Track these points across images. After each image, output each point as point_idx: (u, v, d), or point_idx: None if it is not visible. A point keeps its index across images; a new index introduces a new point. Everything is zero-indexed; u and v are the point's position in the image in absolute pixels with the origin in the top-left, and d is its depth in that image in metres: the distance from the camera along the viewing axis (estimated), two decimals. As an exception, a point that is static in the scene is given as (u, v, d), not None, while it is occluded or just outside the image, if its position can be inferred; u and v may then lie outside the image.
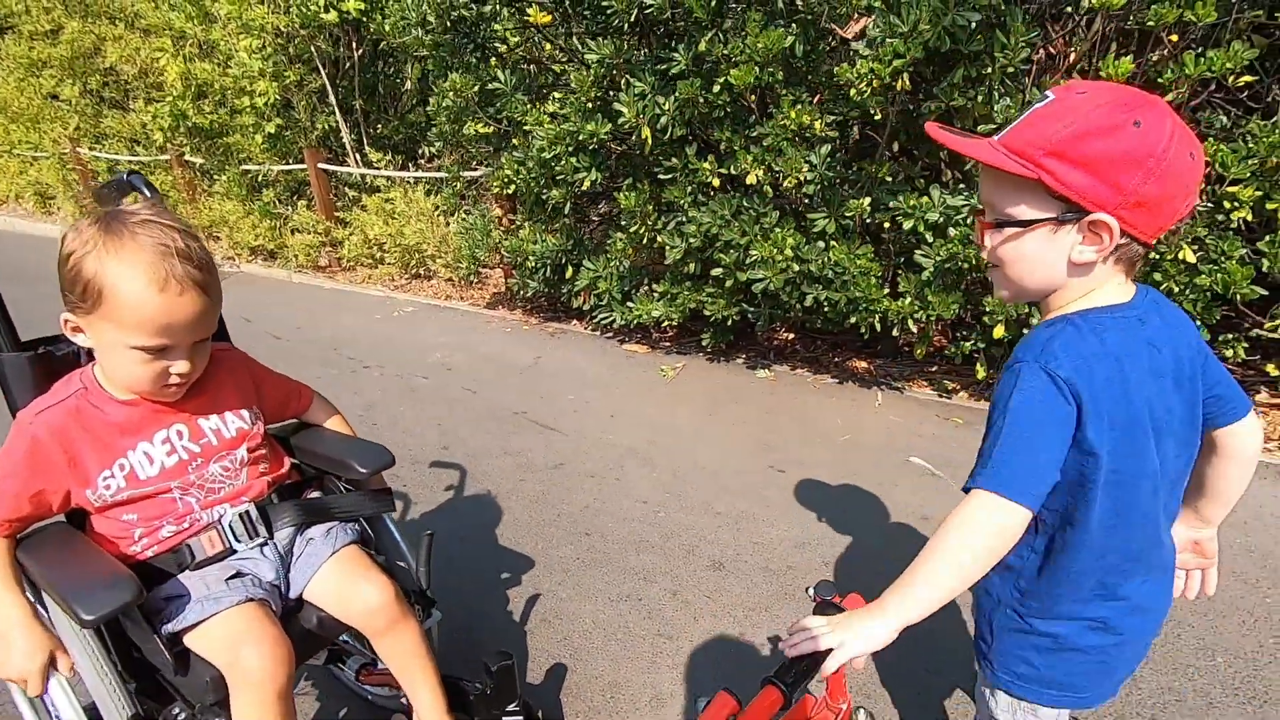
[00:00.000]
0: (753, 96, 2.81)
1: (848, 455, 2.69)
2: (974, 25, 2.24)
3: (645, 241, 3.38)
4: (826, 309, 2.97)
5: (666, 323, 3.56)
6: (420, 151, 6.66)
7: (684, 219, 3.13)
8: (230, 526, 1.13)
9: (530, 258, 3.90)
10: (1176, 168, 0.75)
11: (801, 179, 2.76)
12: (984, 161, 0.82)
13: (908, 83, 2.38)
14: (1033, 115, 0.80)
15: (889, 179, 2.77)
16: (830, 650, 0.79)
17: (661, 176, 3.17)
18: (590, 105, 3.18)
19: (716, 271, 3.13)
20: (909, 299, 2.80)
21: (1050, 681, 0.93)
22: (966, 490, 0.83)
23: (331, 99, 5.99)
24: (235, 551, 1.14)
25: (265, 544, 1.17)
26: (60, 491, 1.05)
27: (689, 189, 3.08)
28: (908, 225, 2.67)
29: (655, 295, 3.53)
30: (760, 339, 3.77)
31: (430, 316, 4.54)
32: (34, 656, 0.98)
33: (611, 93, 3.18)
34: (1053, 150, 0.76)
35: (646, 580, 2.06)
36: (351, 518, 1.27)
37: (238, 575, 1.11)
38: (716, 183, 2.99)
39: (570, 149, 3.29)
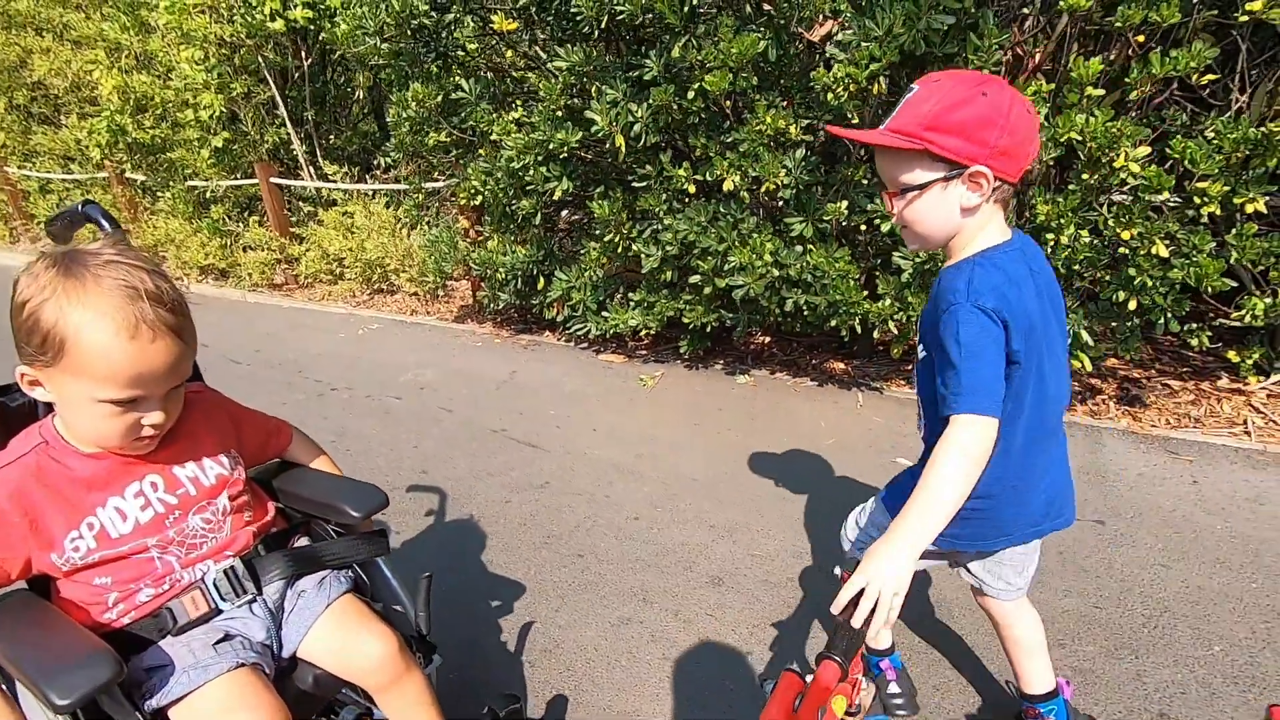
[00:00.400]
0: (727, 102, 2.79)
1: (835, 459, 2.68)
2: (947, 28, 2.26)
3: (620, 250, 3.33)
4: (806, 313, 2.96)
5: (644, 331, 3.52)
6: (375, 162, 6.49)
7: (659, 227, 3.09)
8: (215, 585, 1.05)
9: (500, 269, 3.81)
10: (1022, 122, 0.99)
11: (779, 184, 2.74)
12: (880, 144, 1.03)
13: (884, 86, 2.39)
14: (906, 104, 1.02)
15: (864, 181, 2.77)
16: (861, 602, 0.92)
17: (635, 184, 3.12)
18: (559, 113, 3.12)
19: (694, 279, 3.10)
20: (888, 300, 2.81)
21: (971, 535, 1.22)
22: (946, 418, 1.00)
23: (281, 110, 5.79)
24: (221, 611, 1.05)
25: (254, 601, 1.08)
26: (20, 559, 0.96)
27: (664, 196, 3.04)
28: (885, 227, 2.68)
29: (631, 304, 3.48)
30: (738, 344, 3.75)
31: (397, 333, 4.40)
32: None
33: (581, 100, 3.12)
34: (929, 125, 0.98)
35: (645, 601, 2.01)
36: (345, 565, 1.19)
37: (226, 638, 1.03)
38: (692, 189, 2.96)
39: (540, 158, 3.21)
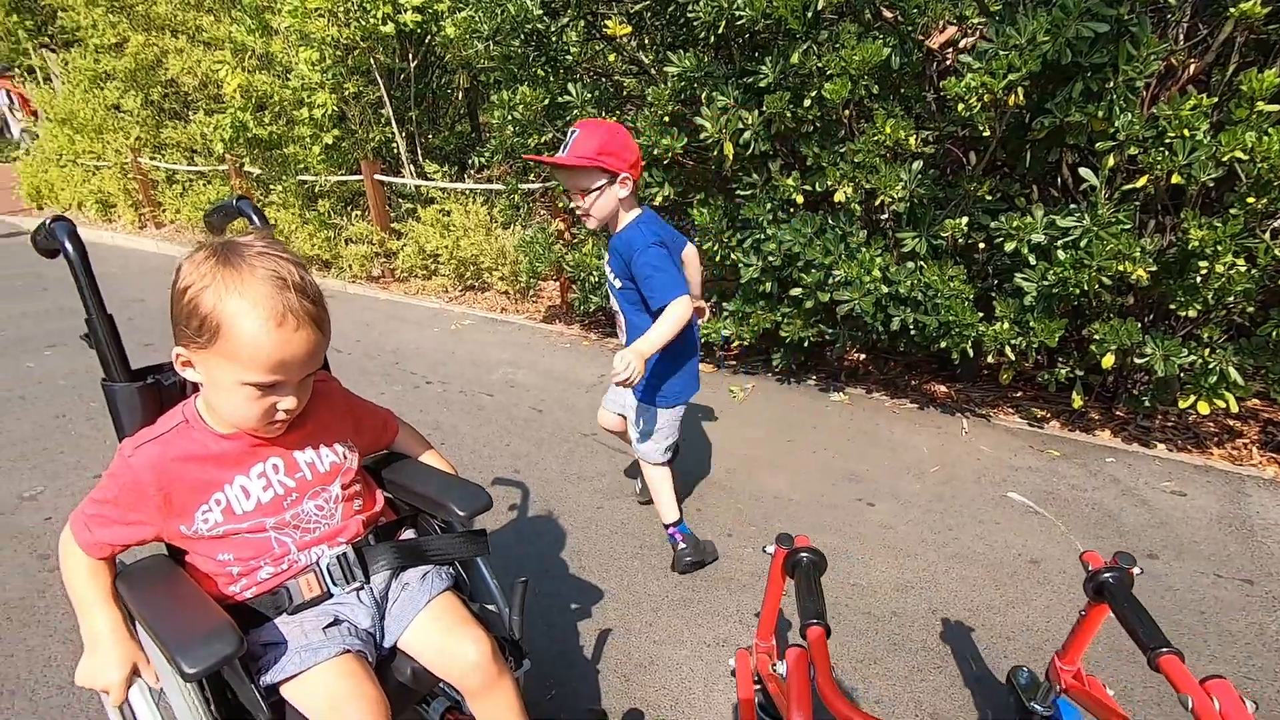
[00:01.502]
0: (846, 111, 2.69)
1: (941, 489, 2.54)
2: (1096, 36, 2.10)
3: (717, 259, 3.28)
4: (914, 333, 2.83)
5: (736, 342, 3.45)
6: (470, 162, 6.67)
7: (762, 236, 3.02)
8: (328, 569, 1.08)
9: (594, 272, 3.82)
10: (633, 142, 1.79)
11: (894, 197, 2.63)
12: (572, 165, 1.72)
13: (1020, 97, 2.24)
14: (578, 140, 1.72)
15: (988, 197, 2.62)
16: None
17: (739, 193, 3.06)
18: (666, 119, 3.09)
19: (796, 291, 3.01)
20: (1006, 324, 2.65)
21: (681, 391, 2.04)
22: (663, 305, 1.72)
23: (387, 110, 6.02)
24: (332, 595, 1.08)
25: (361, 588, 1.11)
26: (153, 525, 1.02)
27: (769, 206, 2.97)
28: (1009, 247, 2.52)
29: (724, 313, 3.42)
30: (832, 361, 3.63)
31: (488, 330, 4.49)
32: (119, 667, 0.97)
33: (688, 107, 3.09)
34: (601, 152, 1.71)
35: (741, 623, 1.94)
36: (447, 561, 1.20)
37: (335, 622, 1.06)
38: (800, 199, 2.87)
39: (644, 162, 3.19)
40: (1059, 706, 1.37)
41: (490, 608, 1.25)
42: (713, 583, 2.10)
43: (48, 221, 1.10)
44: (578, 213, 1.86)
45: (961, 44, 2.71)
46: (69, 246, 1.09)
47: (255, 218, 1.34)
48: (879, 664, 1.79)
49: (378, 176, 5.61)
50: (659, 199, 3.24)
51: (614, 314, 2.06)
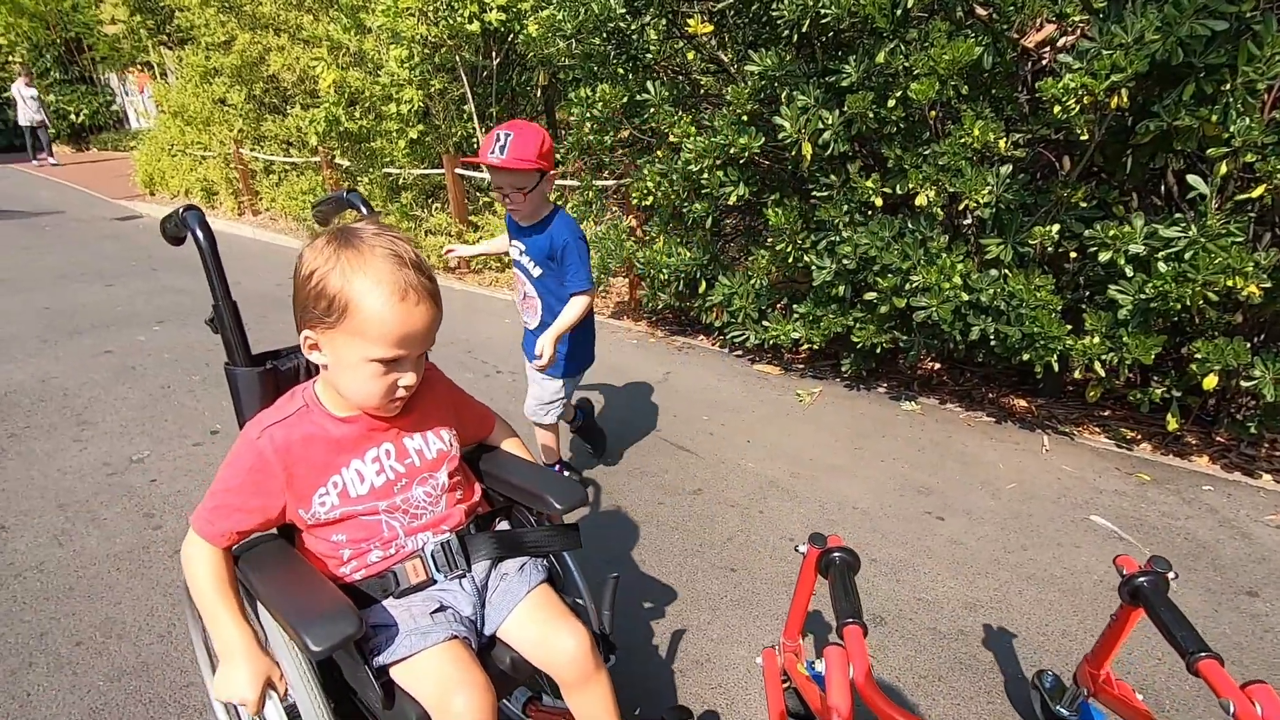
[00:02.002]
0: (932, 113, 2.61)
1: (1017, 507, 2.44)
2: (1215, 35, 1.97)
3: (790, 260, 3.24)
4: (994, 343, 2.72)
5: (805, 345, 3.40)
6: (546, 158, 6.79)
7: (837, 239, 2.97)
8: (433, 556, 1.11)
9: (663, 270, 3.84)
10: (552, 141, 2.00)
11: (979, 201, 2.54)
12: (517, 167, 1.90)
13: (1124, 99, 2.12)
14: (515, 143, 1.88)
15: (1082, 204, 2.49)
16: None
17: (815, 194, 3.02)
18: (744, 118, 3.08)
19: (870, 296, 2.94)
20: (1096, 338, 2.51)
21: (580, 365, 2.40)
22: (578, 291, 2.09)
23: (469, 106, 6.21)
24: (435, 582, 1.11)
25: (463, 576, 1.13)
26: (278, 507, 1.05)
27: (846, 208, 2.92)
28: (1104, 257, 2.40)
29: (794, 316, 3.37)
30: (905, 368, 3.53)
31: (557, 323, 4.57)
32: (255, 683, 0.99)
33: (766, 106, 3.07)
34: (540, 155, 1.92)
35: (802, 636, 1.92)
36: (543, 553, 1.22)
37: (441, 609, 1.08)
38: (879, 202, 2.81)
39: (718, 162, 3.20)
40: (1085, 710, 1.32)
41: (579, 601, 1.26)
42: (774, 585, 2.08)
43: (180, 210, 1.17)
44: (508, 207, 2.05)
45: (1060, 43, 2.58)
46: (199, 234, 1.16)
47: (363, 207, 1.40)
48: (943, 681, 1.74)
49: (458, 170, 5.79)
50: (733, 199, 3.23)
51: (524, 298, 2.27)
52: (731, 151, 3.08)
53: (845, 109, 2.69)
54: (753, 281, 3.50)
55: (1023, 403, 3.20)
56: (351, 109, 6.63)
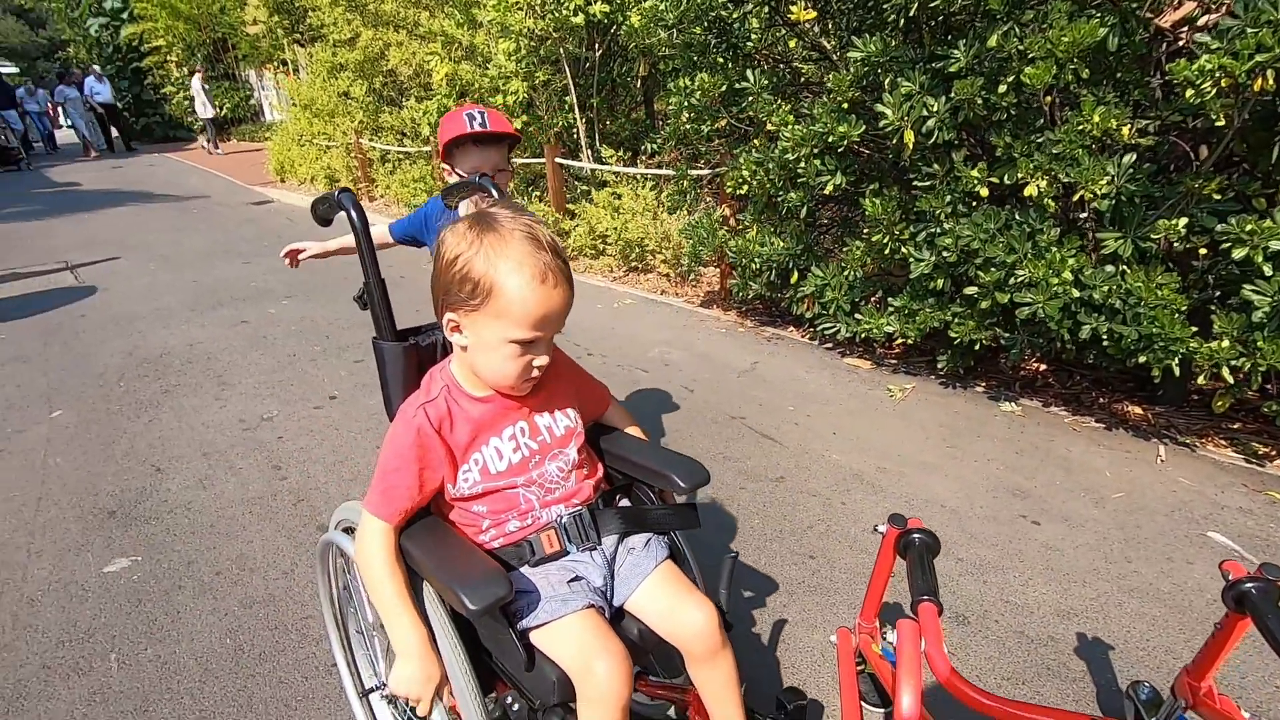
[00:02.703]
0: (1048, 98, 2.48)
1: (1124, 517, 2.31)
2: (1385, 8, 1.77)
3: (886, 252, 3.16)
4: (1107, 344, 2.56)
5: (899, 340, 3.32)
6: (643, 148, 6.89)
7: (938, 230, 2.87)
8: (565, 528, 1.15)
9: (755, 260, 3.84)
10: None
11: (1096, 193, 2.39)
12: (507, 129, 1.85)
13: (1270, 82, 1.95)
14: (491, 115, 1.84)
15: (1216, 196, 2.30)
16: None
17: (916, 184, 2.93)
18: (844, 106, 3.03)
19: (971, 290, 2.84)
20: (1226, 341, 2.32)
21: None
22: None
23: (571, 97, 6.38)
24: (568, 553, 1.14)
25: (594, 549, 1.16)
26: (438, 480, 1.11)
27: (948, 198, 2.82)
28: (1239, 254, 2.21)
29: (889, 309, 3.29)
30: (1006, 368, 3.38)
31: (648, 310, 4.66)
32: (429, 683, 1.04)
33: (868, 94, 3.00)
34: (515, 130, 1.95)
35: (879, 618, 1.91)
36: (664, 530, 1.25)
37: (576, 578, 1.11)
38: (984, 193, 2.70)
39: (816, 151, 3.16)
40: None
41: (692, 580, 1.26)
42: (853, 575, 2.08)
43: (335, 192, 1.28)
44: (487, 202, 1.72)
45: (1200, 22, 2.39)
46: (353, 214, 1.25)
47: (495, 191, 1.47)
48: (1028, 685, 1.69)
49: (558, 160, 5.97)
50: (829, 188, 3.18)
51: None
52: (830, 140, 3.04)
53: (952, 95, 2.60)
54: (846, 273, 3.44)
55: (1138, 410, 2.99)
56: (462, 100, 6.96)
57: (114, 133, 17.37)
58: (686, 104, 3.82)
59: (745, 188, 3.74)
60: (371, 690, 1.49)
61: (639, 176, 5.63)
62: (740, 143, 3.86)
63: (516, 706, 1.11)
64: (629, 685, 1.01)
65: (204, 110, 14.70)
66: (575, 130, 6.57)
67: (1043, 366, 3.42)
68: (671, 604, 1.12)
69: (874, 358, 3.66)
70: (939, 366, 3.32)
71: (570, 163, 6.14)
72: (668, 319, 4.45)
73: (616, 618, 1.16)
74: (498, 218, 1.03)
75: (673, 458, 1.26)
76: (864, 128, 2.96)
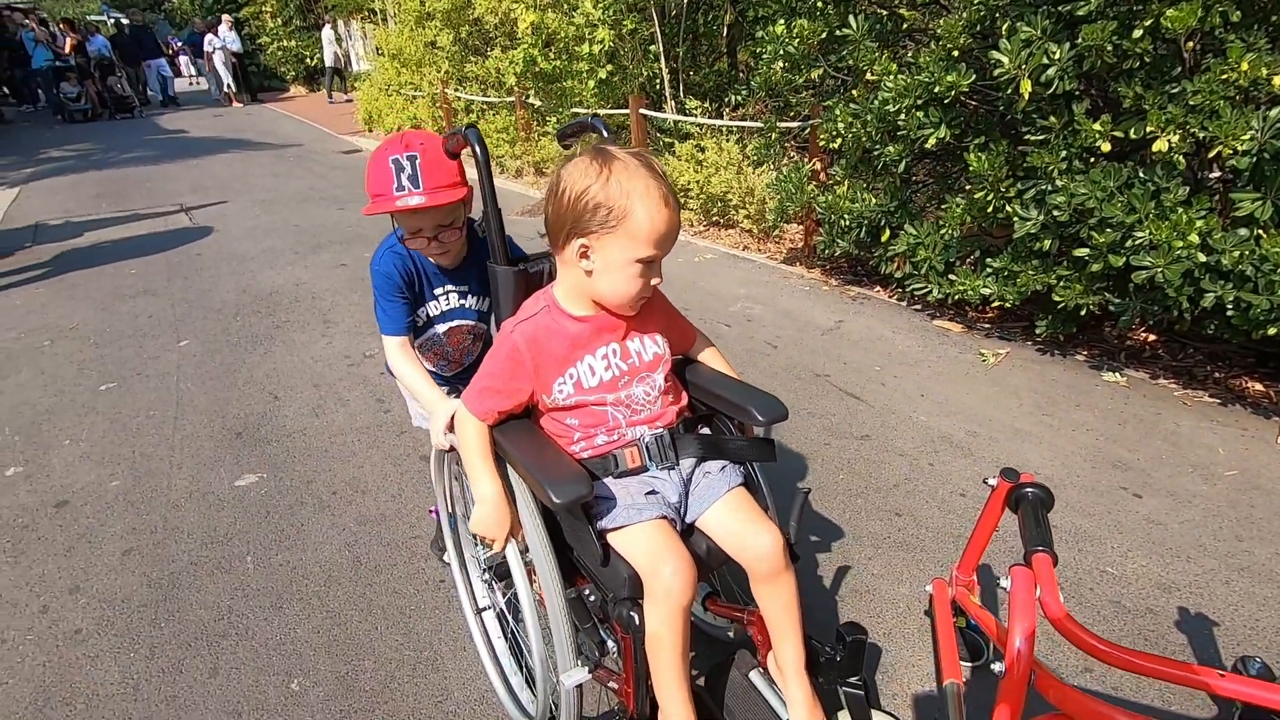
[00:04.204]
0: (1189, 44, 2.29)
1: (1236, 496, 2.20)
2: None
3: (989, 210, 3.03)
4: (1232, 313, 2.40)
5: (996, 303, 3.20)
6: (726, 100, 6.73)
7: (1049, 188, 2.73)
8: (647, 447, 1.23)
9: (845, 216, 3.74)
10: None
11: (1236, 149, 2.21)
12: (450, 200, 1.42)
13: None
14: (427, 165, 1.39)
15: (1379, 155, 2.10)
16: None
17: (1030, 137, 2.78)
18: (954, 53, 2.88)
19: (1082, 252, 2.70)
20: (1373, 315, 2.14)
21: None
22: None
23: (657, 46, 6.27)
24: (648, 470, 1.23)
25: (672, 468, 1.23)
26: (528, 391, 1.22)
27: (1063, 154, 2.66)
28: (1400, 218, 2.02)
29: (986, 271, 3.17)
30: (1111, 336, 3.21)
31: (729, 265, 4.63)
32: (502, 527, 1.22)
33: (983, 40, 2.84)
34: (460, 172, 1.46)
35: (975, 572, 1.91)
36: (741, 460, 1.31)
37: (653, 492, 1.20)
38: (1106, 148, 2.54)
39: (920, 102, 3.03)
40: None
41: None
42: (940, 534, 2.07)
43: (462, 128, 1.36)
44: (435, 255, 1.50)
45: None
46: (477, 148, 1.34)
47: (604, 130, 1.51)
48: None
49: (642, 110, 5.92)
50: (932, 141, 3.05)
51: (473, 342, 1.74)
52: (936, 90, 2.91)
53: (1078, 41, 2.43)
54: (942, 231, 3.32)
55: (1259, 386, 2.81)
56: (547, 50, 6.95)
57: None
58: (781, 52, 3.71)
59: (839, 141, 3.63)
60: (485, 609, 1.62)
61: (723, 129, 5.52)
62: (834, 94, 3.73)
63: (593, 598, 1.25)
64: (691, 590, 1.10)
65: (331, 60, 15.14)
66: (659, 81, 6.48)
67: (1152, 337, 3.23)
68: (740, 526, 1.19)
69: (966, 321, 3.55)
70: (1037, 332, 3.19)
71: (654, 114, 6.07)
72: (749, 275, 4.42)
73: (687, 533, 1.23)
74: (614, 151, 1.09)
75: (752, 392, 1.31)
76: (974, 77, 2.81)
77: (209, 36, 16.10)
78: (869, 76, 3.30)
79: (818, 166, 4.21)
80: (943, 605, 1.45)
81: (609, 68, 6.35)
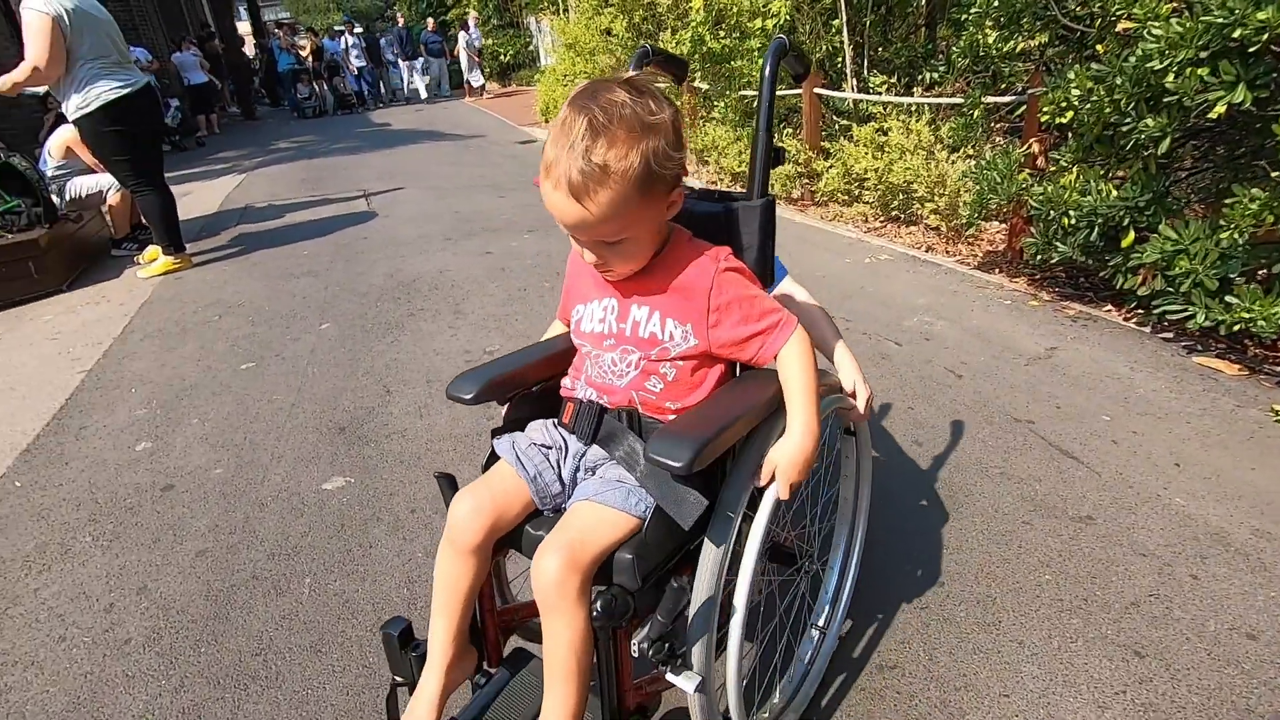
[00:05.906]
0: None
1: None
2: None
3: (1307, 207, 2.11)
4: None
5: (1304, 340, 2.25)
6: (920, 77, 5.84)
7: None
8: (578, 411, 1.13)
9: (1072, 212, 2.90)
10: None
11: None
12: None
13: None
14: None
15: None
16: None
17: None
18: (1272, -20, 2.00)
19: None
20: None
21: None
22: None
23: (840, 18, 5.56)
24: (573, 434, 1.14)
25: (587, 446, 1.12)
26: (571, 305, 1.24)
27: None
28: None
29: (1292, 293, 2.24)
30: None
31: (908, 268, 3.89)
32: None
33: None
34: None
35: None
36: (646, 489, 1.04)
37: (548, 448, 1.14)
38: None
39: (1204, 54, 2.17)
40: None
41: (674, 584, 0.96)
42: (1207, 697, 1.36)
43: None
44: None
45: None
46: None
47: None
48: None
49: (818, 90, 5.26)
50: (1219, 109, 2.19)
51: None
52: (1236, 35, 2.05)
53: None
54: (1221, 235, 2.41)
55: None
56: (716, 29, 6.47)
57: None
58: (992, 8, 2.94)
59: (1069, 114, 2.80)
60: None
61: (912, 108, 4.72)
62: (1077, 55, 2.89)
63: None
64: (475, 538, 1.04)
65: (466, 62, 16.37)
66: (840, 57, 5.75)
67: None
68: (550, 535, 0.99)
69: (1247, 361, 2.58)
70: (1373, 386, 2.20)
71: (830, 93, 5.37)
72: (933, 282, 3.66)
73: (558, 513, 1.11)
74: (590, 99, 0.95)
75: (676, 425, 1.01)
76: (1305, 13, 1.93)
77: (461, 34, 17.35)
78: (1123, 25, 2.47)
79: (1035, 149, 3.35)
80: None
81: (784, 44, 5.73)
